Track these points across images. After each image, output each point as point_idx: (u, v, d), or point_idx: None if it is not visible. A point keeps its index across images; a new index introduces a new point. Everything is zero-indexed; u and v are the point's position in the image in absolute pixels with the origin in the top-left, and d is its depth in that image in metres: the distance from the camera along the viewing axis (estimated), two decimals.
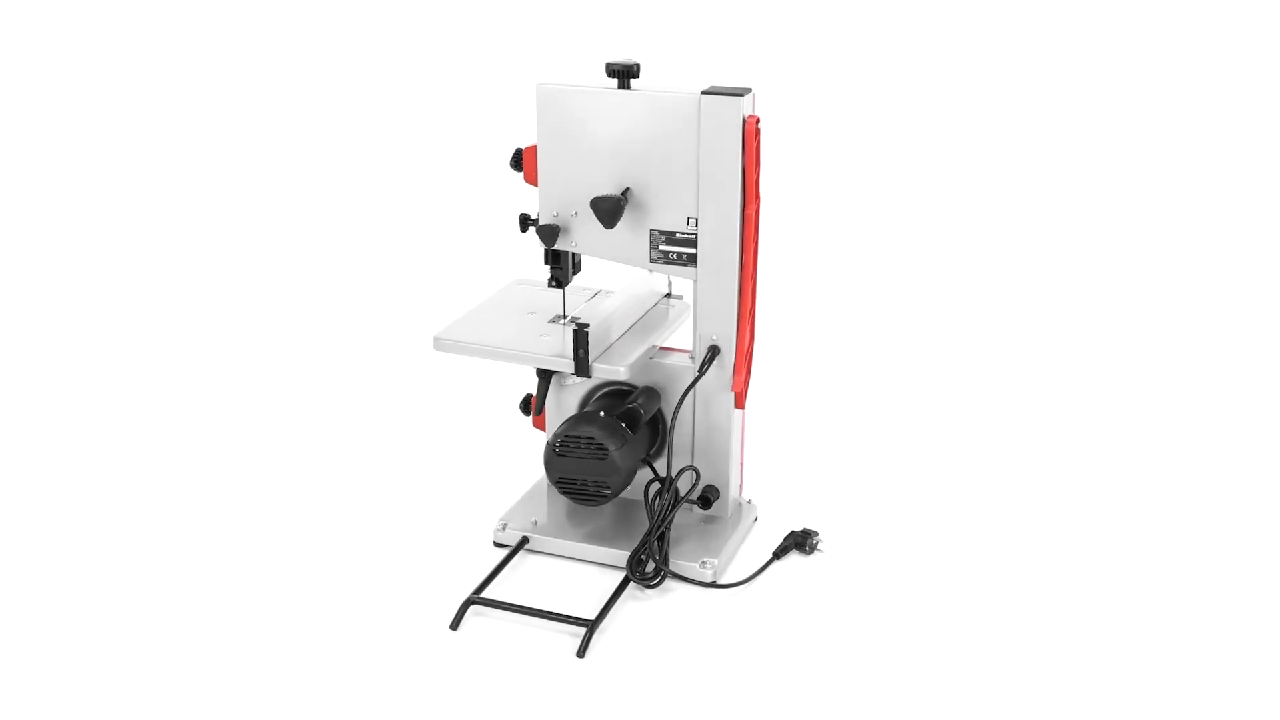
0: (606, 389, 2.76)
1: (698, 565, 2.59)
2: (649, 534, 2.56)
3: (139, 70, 4.60)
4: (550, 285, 2.73)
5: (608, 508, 2.78)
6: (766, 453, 3.10)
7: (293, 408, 3.41)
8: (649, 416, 2.67)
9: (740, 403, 2.67)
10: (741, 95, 2.44)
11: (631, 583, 2.55)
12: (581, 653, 2.37)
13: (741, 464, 2.78)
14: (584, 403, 2.77)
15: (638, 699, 2.28)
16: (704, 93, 2.46)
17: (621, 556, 2.60)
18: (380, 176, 4.58)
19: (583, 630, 2.40)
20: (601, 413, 2.62)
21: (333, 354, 3.72)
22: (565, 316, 2.75)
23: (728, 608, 2.53)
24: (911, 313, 3.99)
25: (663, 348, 2.72)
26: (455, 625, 2.45)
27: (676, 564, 2.60)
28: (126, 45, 4.59)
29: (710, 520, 2.75)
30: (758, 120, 2.46)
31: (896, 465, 3.11)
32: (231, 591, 2.58)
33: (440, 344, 2.66)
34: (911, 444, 3.22)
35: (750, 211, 2.52)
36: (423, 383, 3.50)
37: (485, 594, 2.52)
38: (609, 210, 2.55)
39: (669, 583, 2.59)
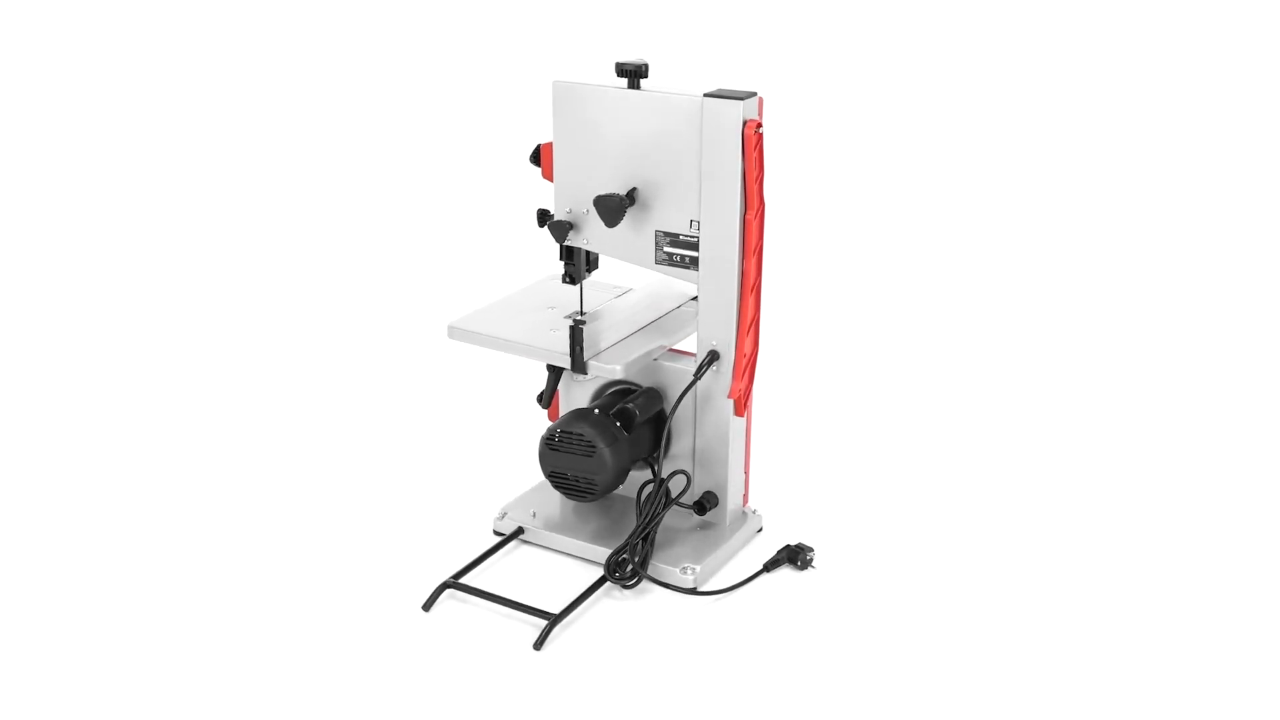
0: (616, 388, 2.76)
1: (679, 570, 2.57)
2: (633, 534, 2.56)
3: (156, 70, 4.72)
4: (564, 281, 2.75)
5: (609, 506, 2.79)
6: (781, 464, 3.06)
7: (318, 395, 3.49)
8: (646, 417, 2.66)
9: (740, 410, 2.63)
10: (742, 99, 2.41)
11: (609, 582, 2.55)
12: (538, 645, 2.39)
13: (746, 473, 2.75)
14: (594, 399, 2.78)
15: (582, 697, 2.28)
16: (706, 95, 2.45)
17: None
18: (422, 173, 4.64)
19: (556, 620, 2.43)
20: (596, 410, 2.63)
21: (363, 346, 3.78)
22: (582, 312, 2.77)
23: (703, 615, 2.51)
24: (931, 323, 3.93)
25: (674, 350, 2.72)
26: (427, 606, 2.51)
27: (658, 568, 2.59)
28: (149, 44, 4.72)
29: (707, 527, 2.72)
30: (758, 125, 2.43)
31: (909, 485, 3.03)
32: (233, 568, 2.70)
33: (453, 332, 2.71)
34: (927, 464, 3.13)
35: (751, 218, 2.48)
36: (447, 373, 3.54)
37: (466, 580, 2.57)
38: (610, 209, 2.55)
39: (651, 586, 2.58)
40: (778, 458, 3.09)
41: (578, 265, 2.73)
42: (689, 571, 2.57)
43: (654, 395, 2.70)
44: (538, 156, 2.69)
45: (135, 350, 3.73)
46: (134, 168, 4.64)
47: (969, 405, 3.43)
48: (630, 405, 2.65)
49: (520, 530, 2.74)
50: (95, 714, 2.23)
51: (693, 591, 2.56)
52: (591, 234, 2.65)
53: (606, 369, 2.56)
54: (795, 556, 2.64)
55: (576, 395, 2.81)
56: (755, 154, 2.44)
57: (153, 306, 4.04)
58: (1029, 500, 2.94)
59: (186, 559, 2.70)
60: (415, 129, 4.72)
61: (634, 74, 2.53)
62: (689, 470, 2.70)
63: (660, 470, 2.65)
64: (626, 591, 2.57)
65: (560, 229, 2.65)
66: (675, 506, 2.67)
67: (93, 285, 4.16)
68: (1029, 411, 3.38)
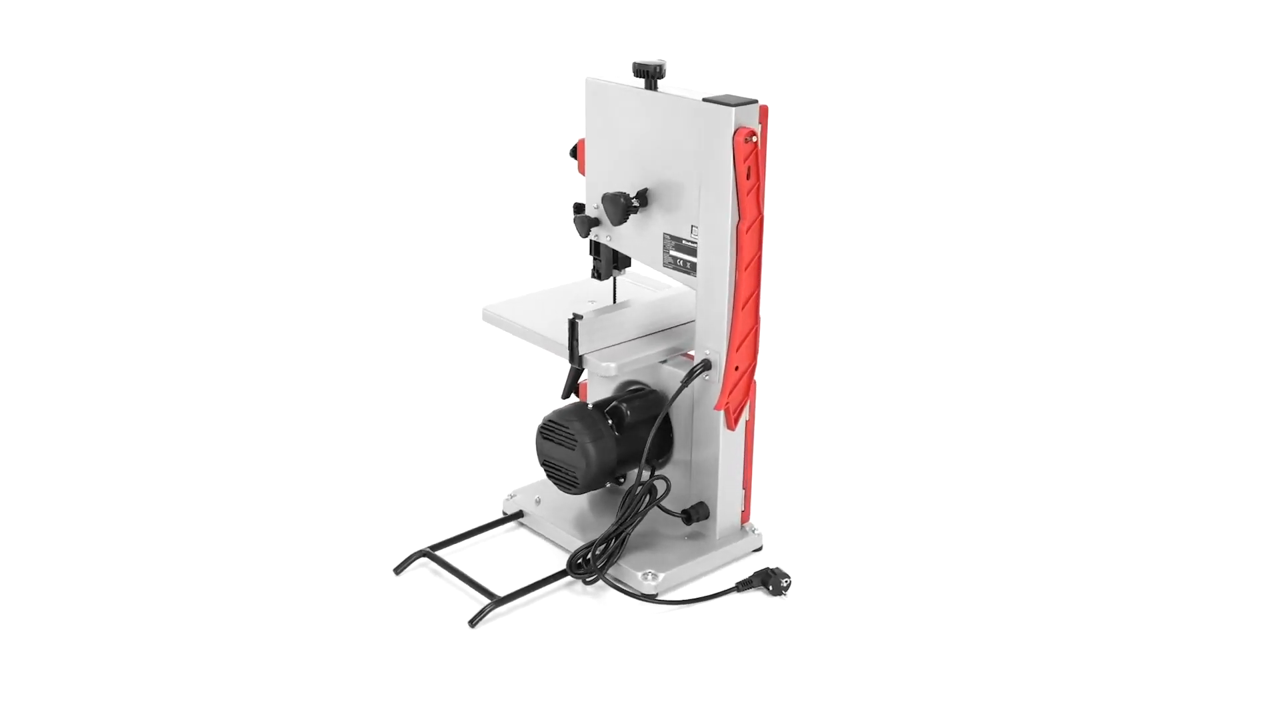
0: (633, 387, 2.76)
1: (640, 575, 2.55)
2: (606, 532, 2.57)
3: (186, 67, 4.72)
4: (592, 276, 2.78)
5: (615, 505, 2.79)
6: (797, 484, 2.98)
7: (376, 377, 3.60)
8: (640, 418, 2.65)
9: (730, 423, 2.58)
10: (734, 106, 2.36)
11: (570, 576, 2.57)
12: (473, 622, 2.45)
13: (747, 489, 2.68)
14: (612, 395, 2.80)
15: (495, 678, 2.32)
16: (704, 99, 2.41)
17: None
18: (490, 164, 4.64)
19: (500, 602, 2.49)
20: (591, 406, 2.65)
21: (421, 333, 3.86)
22: (614, 305, 2.79)
23: (653, 622, 2.48)
24: (954, 341, 3.85)
25: (689, 356, 2.69)
26: (399, 570, 2.62)
27: (624, 569, 2.58)
28: (177, 42, 4.71)
29: (696, 538, 2.68)
30: (750, 134, 2.37)
31: (921, 519, 2.90)
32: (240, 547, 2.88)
33: (486, 316, 2.80)
34: (945, 499, 2.98)
35: (743, 230, 2.42)
36: (489, 360, 3.57)
37: (446, 552, 2.66)
38: (615, 207, 2.57)
39: (615, 587, 2.57)
40: (794, 476, 3.01)
41: (604, 261, 2.76)
42: (650, 577, 2.54)
43: (655, 398, 2.68)
44: (575, 151, 2.74)
45: (143, 352, 3.77)
46: (171, 165, 4.66)
47: (995, 432, 3.31)
48: (622, 405, 2.65)
49: (521, 514, 2.81)
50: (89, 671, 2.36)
51: (651, 598, 2.54)
52: (614, 231, 2.67)
53: (601, 366, 2.58)
54: (768, 580, 2.56)
55: (598, 391, 2.83)
56: (747, 164, 2.38)
57: (183, 296, 4.13)
58: (1041, 533, 2.84)
59: (202, 533, 2.80)
60: (485, 124, 4.74)
61: (650, 74, 2.53)
62: (684, 478, 2.67)
63: (652, 474, 2.65)
64: (588, 588, 2.58)
65: (583, 224, 2.68)
66: (670, 515, 2.66)
67: (134, 277, 4.20)
68: (1044, 434, 3.29)
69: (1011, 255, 4.32)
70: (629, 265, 2.80)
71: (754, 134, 2.37)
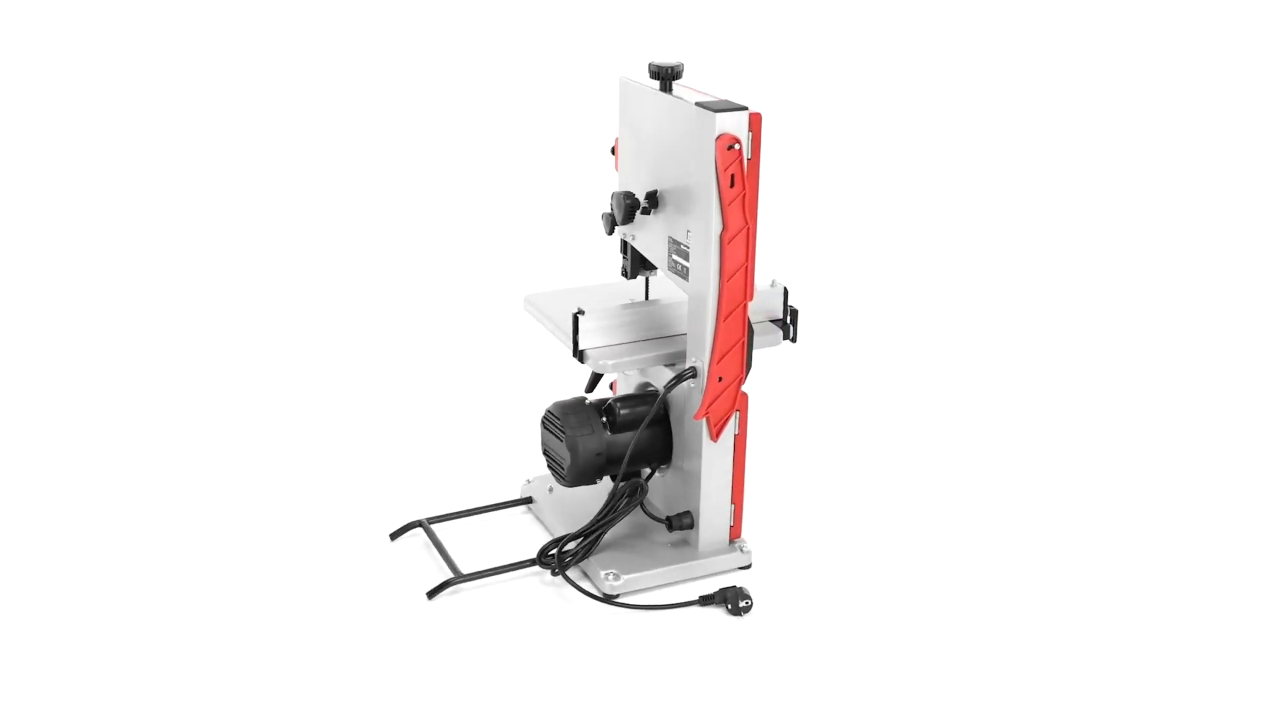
0: (650, 388, 2.75)
1: (604, 573, 2.55)
2: (582, 528, 2.59)
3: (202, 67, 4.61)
4: (622, 274, 2.79)
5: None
6: (803, 510, 2.89)
7: (425, 358, 3.68)
8: (630, 418, 2.64)
9: (713, 434, 2.53)
10: (718, 111, 2.31)
11: (537, 565, 2.60)
12: (430, 595, 2.53)
13: (738, 505, 2.62)
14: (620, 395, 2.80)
15: (428, 651, 2.40)
16: (697, 104, 2.37)
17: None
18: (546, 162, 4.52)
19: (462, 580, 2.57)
20: (588, 401, 2.67)
21: (483, 320, 3.87)
22: (646, 302, 2.79)
23: (601, 622, 2.48)
24: (969, 357, 3.76)
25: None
26: (394, 536, 2.74)
27: (589, 567, 2.58)
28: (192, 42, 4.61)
29: (680, 547, 2.64)
30: (734, 142, 2.31)
31: (923, 551, 2.78)
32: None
33: (526, 304, 2.87)
34: (949, 532, 2.85)
35: (727, 238, 2.37)
36: (533, 349, 3.48)
37: (441, 526, 2.76)
38: (620, 207, 2.58)
39: (576, 580, 2.58)
40: (798, 496, 2.94)
41: (630, 260, 2.76)
42: (612, 577, 2.54)
43: (648, 399, 2.66)
44: (614, 149, 2.76)
45: (194, 320, 3.90)
46: (193, 164, 4.57)
47: (1003, 453, 3.22)
48: (617, 404, 2.65)
49: (529, 500, 2.86)
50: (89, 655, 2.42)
51: (609, 600, 2.53)
52: (636, 230, 2.68)
53: (599, 364, 2.59)
54: (728, 599, 2.49)
55: (621, 389, 2.84)
56: (730, 171, 2.33)
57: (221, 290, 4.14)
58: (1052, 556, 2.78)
59: (218, 514, 2.88)
60: (555, 120, 4.60)
61: (664, 75, 2.51)
62: (679, 486, 2.64)
63: (649, 476, 2.64)
64: (552, 579, 2.60)
65: (607, 221, 2.70)
66: (656, 521, 2.65)
67: (159, 274, 4.17)
68: (1054, 455, 3.21)
69: (1014, 272, 4.26)
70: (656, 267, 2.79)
71: (736, 141, 2.32)
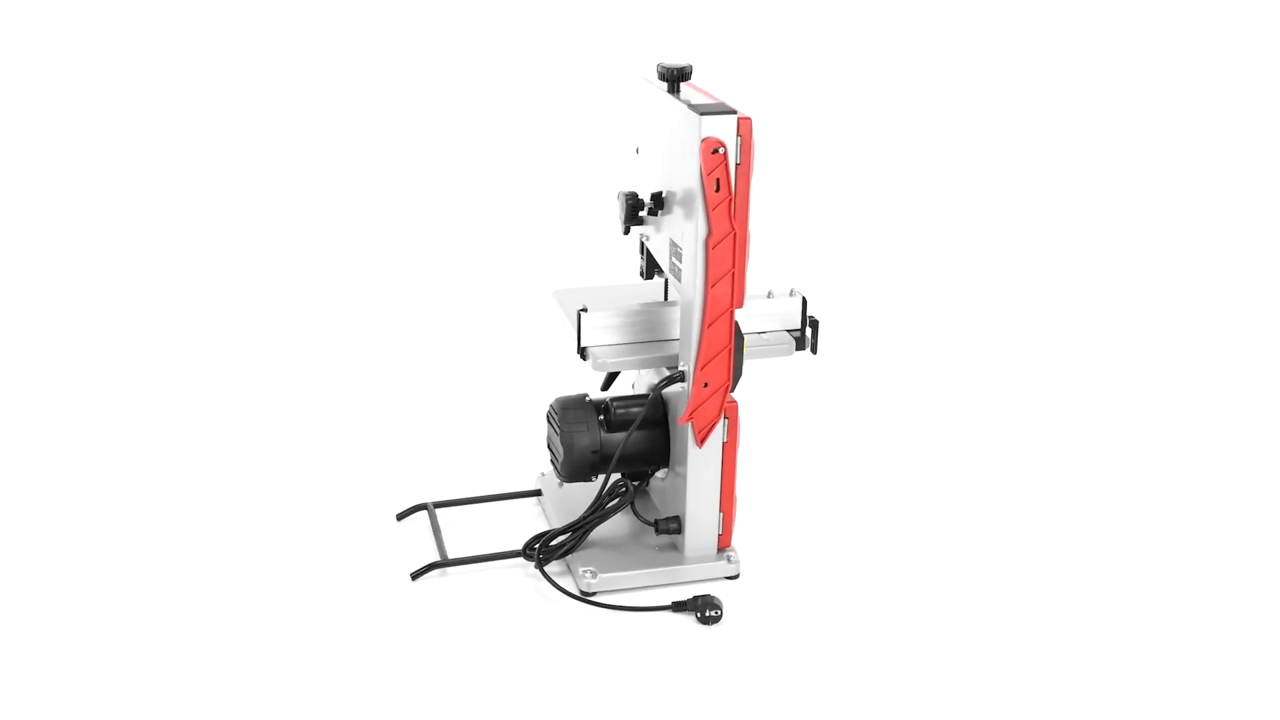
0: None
1: (581, 570, 2.55)
2: (568, 524, 2.61)
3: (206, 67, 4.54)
4: (640, 275, 2.79)
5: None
6: (800, 522, 2.84)
7: (443, 348, 3.71)
8: (626, 418, 2.63)
9: (698, 440, 2.50)
10: (704, 114, 2.29)
11: (521, 557, 2.62)
12: (414, 576, 2.58)
13: (727, 513, 2.58)
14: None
15: (402, 630, 2.45)
16: (690, 106, 2.35)
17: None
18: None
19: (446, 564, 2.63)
20: (588, 398, 2.67)
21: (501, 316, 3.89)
22: (665, 302, 2.77)
23: (572, 619, 2.49)
24: (961, 367, 3.69)
25: None
26: (400, 518, 2.80)
27: (570, 563, 2.59)
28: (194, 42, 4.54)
29: (666, 551, 2.62)
30: (718, 146, 2.28)
31: (921, 571, 2.71)
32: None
33: (555, 296, 2.90)
34: (953, 552, 2.77)
35: (711, 244, 2.34)
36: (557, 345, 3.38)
37: (445, 511, 2.81)
38: (624, 206, 2.57)
39: (564, 577, 2.60)
40: (795, 508, 2.90)
41: (645, 260, 2.75)
42: (589, 574, 2.54)
43: (656, 402, 2.65)
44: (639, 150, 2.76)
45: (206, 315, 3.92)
46: (198, 164, 4.52)
47: (1008, 468, 3.14)
48: (614, 404, 2.65)
49: (538, 492, 2.88)
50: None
51: (583, 597, 2.53)
52: (651, 231, 2.67)
53: (598, 363, 2.60)
54: (698, 608, 2.46)
55: (640, 389, 2.84)
56: (714, 176, 2.30)
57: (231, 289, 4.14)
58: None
59: (231, 501, 2.93)
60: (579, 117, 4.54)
61: (671, 76, 2.49)
62: (674, 489, 2.63)
63: (646, 477, 2.64)
64: (534, 571, 2.61)
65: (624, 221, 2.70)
66: (644, 523, 2.64)
67: (162, 273, 4.16)
68: (1054, 463, 3.16)
69: (1015, 281, 4.22)
70: None
71: (721, 146, 2.29)
